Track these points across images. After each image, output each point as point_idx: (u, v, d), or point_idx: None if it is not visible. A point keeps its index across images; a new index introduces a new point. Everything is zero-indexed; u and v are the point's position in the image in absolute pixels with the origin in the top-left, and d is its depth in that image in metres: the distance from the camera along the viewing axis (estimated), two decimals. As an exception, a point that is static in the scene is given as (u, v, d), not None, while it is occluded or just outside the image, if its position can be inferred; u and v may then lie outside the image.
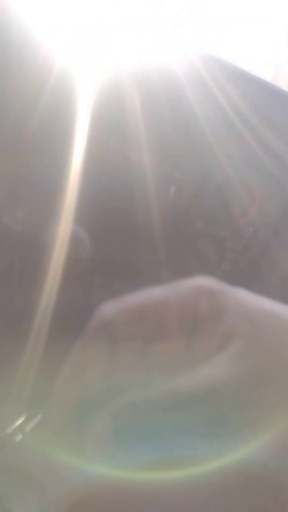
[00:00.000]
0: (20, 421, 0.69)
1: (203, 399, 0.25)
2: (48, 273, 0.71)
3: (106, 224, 0.76)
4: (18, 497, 0.46)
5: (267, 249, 0.72)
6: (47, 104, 0.72)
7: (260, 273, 0.73)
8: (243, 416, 0.24)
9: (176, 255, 0.74)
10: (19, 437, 0.67)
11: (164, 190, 0.73)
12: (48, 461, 0.31)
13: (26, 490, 0.43)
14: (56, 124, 0.72)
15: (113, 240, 0.75)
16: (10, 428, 0.68)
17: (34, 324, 0.70)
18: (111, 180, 0.74)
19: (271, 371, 0.26)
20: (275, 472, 0.21)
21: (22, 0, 0.66)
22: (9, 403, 0.71)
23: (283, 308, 0.32)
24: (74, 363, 0.36)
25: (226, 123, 0.69)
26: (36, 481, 0.36)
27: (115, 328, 0.33)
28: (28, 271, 0.76)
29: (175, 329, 0.32)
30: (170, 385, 0.26)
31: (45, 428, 0.36)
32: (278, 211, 0.72)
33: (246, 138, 0.68)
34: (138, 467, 0.23)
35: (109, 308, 0.35)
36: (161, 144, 0.73)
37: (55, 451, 0.30)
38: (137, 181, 0.73)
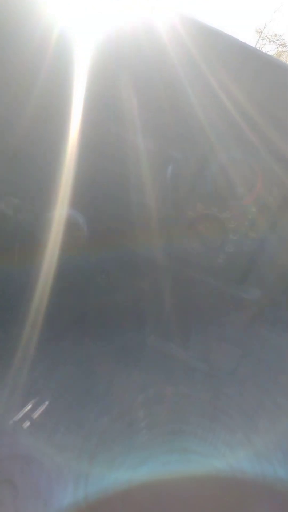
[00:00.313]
0: (27, 408, 0.70)
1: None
2: (45, 258, 0.70)
3: (104, 209, 0.74)
4: (23, 486, 0.47)
5: (270, 232, 0.70)
6: (42, 87, 0.69)
7: (263, 258, 0.71)
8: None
9: (177, 239, 0.72)
10: (26, 424, 0.68)
11: (162, 171, 0.70)
12: (58, 460, 0.31)
13: (32, 483, 0.43)
14: (50, 107, 0.70)
15: (111, 225, 0.73)
16: (18, 415, 0.69)
17: (32, 309, 0.70)
18: (107, 163, 0.72)
19: None
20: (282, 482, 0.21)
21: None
22: (14, 390, 0.71)
23: None
24: None
25: (220, 103, 0.66)
26: (46, 477, 0.36)
27: None
28: (26, 257, 0.75)
29: None
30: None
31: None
32: (281, 191, 0.69)
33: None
34: (140, 475, 0.22)
35: None
36: (156, 122, 0.69)
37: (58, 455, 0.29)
38: (134, 162, 0.70)
